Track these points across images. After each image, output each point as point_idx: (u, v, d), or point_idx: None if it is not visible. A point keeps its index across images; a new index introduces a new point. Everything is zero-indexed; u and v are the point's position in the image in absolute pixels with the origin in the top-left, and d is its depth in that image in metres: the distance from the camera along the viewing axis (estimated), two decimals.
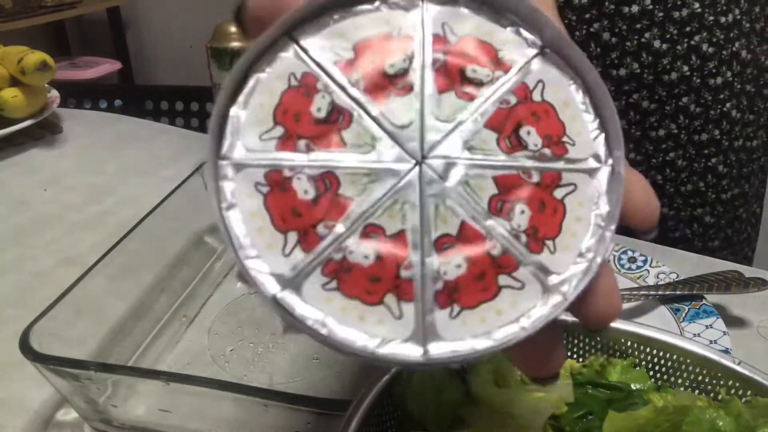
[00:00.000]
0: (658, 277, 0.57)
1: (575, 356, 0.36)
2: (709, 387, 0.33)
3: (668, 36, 0.60)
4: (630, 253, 0.60)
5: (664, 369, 0.35)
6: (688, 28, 0.60)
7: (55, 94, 0.90)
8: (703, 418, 0.29)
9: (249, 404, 0.35)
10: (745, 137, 0.66)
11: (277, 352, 0.49)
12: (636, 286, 0.56)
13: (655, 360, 0.35)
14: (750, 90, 0.65)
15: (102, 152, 0.83)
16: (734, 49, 0.61)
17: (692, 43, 0.60)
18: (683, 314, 0.52)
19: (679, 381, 0.34)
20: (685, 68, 0.61)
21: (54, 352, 0.37)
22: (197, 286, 0.56)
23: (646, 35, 0.60)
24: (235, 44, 0.65)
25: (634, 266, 0.59)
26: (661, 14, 0.60)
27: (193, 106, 1.41)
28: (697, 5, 0.59)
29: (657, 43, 0.61)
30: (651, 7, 0.60)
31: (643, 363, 0.35)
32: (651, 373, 0.35)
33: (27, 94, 0.82)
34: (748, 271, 0.58)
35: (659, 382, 0.35)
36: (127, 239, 0.48)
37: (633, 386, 0.33)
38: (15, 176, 0.76)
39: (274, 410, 0.35)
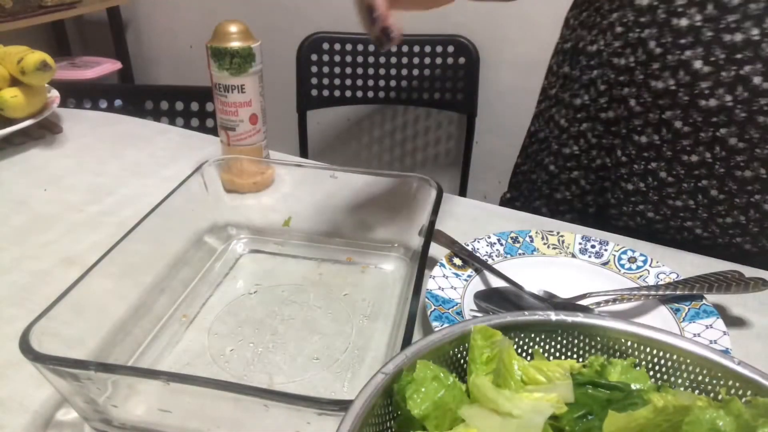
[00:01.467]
0: (658, 277, 0.57)
1: (575, 356, 0.36)
2: (709, 387, 0.33)
3: (712, 59, 0.57)
4: (630, 253, 0.60)
5: (664, 369, 0.34)
6: (739, 55, 0.57)
7: (55, 94, 0.90)
8: (703, 418, 0.29)
9: (249, 404, 0.35)
10: None
11: (277, 352, 0.49)
12: (636, 286, 0.56)
13: (655, 360, 0.35)
14: None
15: (102, 152, 0.83)
16: None
17: (741, 73, 0.57)
18: (683, 314, 0.52)
19: (679, 381, 0.34)
20: (728, 98, 0.58)
21: (54, 352, 0.37)
22: (197, 286, 0.56)
23: (688, 53, 0.58)
24: (235, 44, 0.65)
25: (634, 266, 0.59)
26: (710, 34, 0.57)
27: (193, 106, 1.41)
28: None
29: (698, 64, 0.58)
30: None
31: (643, 363, 0.35)
32: (651, 373, 0.35)
33: (27, 94, 0.82)
34: (748, 271, 0.58)
35: (659, 382, 0.35)
36: (127, 239, 0.48)
37: (633, 386, 0.33)
38: (15, 176, 0.76)
39: (274, 410, 0.35)
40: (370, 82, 1.61)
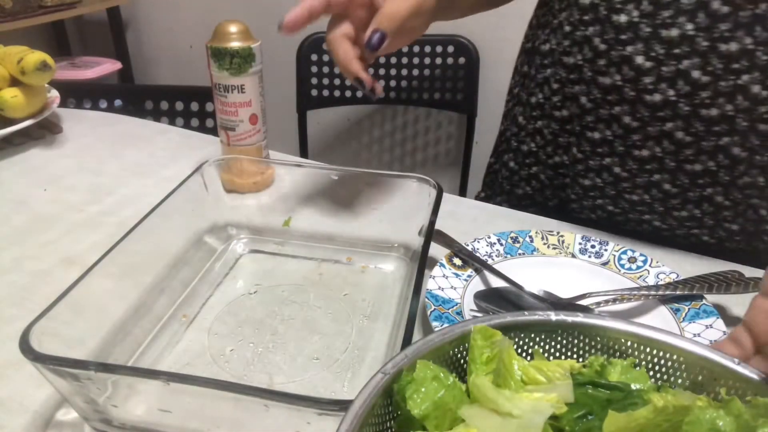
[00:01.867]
0: (658, 277, 0.57)
1: (575, 356, 0.36)
2: (709, 387, 0.33)
3: (710, 69, 0.56)
4: (630, 253, 0.60)
5: (664, 369, 0.34)
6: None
7: (55, 94, 0.90)
8: (703, 418, 0.29)
9: (249, 404, 0.35)
10: None
11: (277, 352, 0.49)
12: (636, 286, 0.56)
13: (655, 360, 0.35)
14: None
15: (102, 152, 0.83)
16: None
17: (739, 82, 0.56)
18: (683, 314, 0.52)
19: (679, 381, 0.34)
20: (729, 107, 0.57)
21: (54, 352, 0.37)
22: (197, 286, 0.56)
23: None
24: (235, 44, 0.65)
25: (634, 266, 0.59)
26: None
27: (193, 106, 1.41)
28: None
29: (697, 74, 0.57)
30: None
31: (643, 363, 0.35)
32: (651, 373, 0.35)
33: (27, 94, 0.82)
34: (748, 271, 0.58)
35: (659, 382, 0.35)
36: (127, 239, 0.48)
37: (633, 386, 0.33)
38: (15, 176, 0.76)
39: (274, 410, 0.35)
40: None
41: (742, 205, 0.63)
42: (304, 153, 1.70)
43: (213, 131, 1.11)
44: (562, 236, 0.62)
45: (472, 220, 0.70)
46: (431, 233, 0.52)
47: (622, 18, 0.59)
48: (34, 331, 0.38)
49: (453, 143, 1.91)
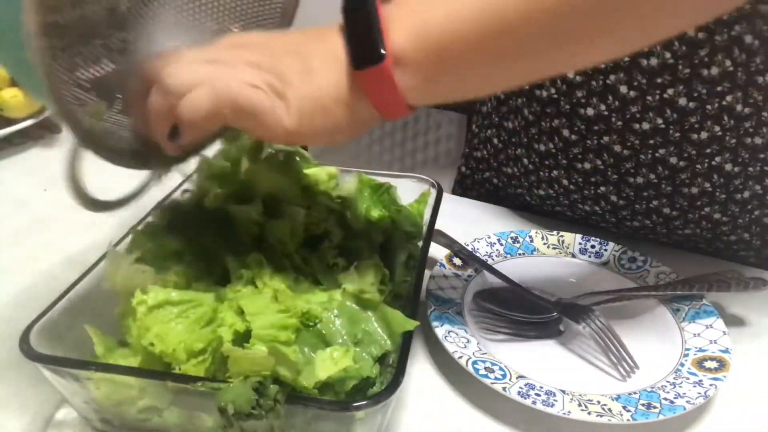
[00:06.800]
0: (658, 277, 0.57)
1: None
2: None
3: (695, 95, 0.56)
4: (630, 253, 0.60)
5: None
6: (719, 88, 0.55)
7: None
8: None
9: None
10: None
11: None
12: (636, 286, 0.56)
13: None
14: None
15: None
16: None
17: (724, 103, 0.55)
18: (683, 314, 0.52)
19: None
20: (717, 128, 0.56)
21: (54, 352, 0.37)
22: None
23: (669, 91, 0.56)
24: None
25: (634, 266, 0.59)
26: (687, 71, 0.55)
27: None
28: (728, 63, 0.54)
29: (683, 101, 0.56)
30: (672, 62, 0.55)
31: None
32: None
33: (27, 95, 0.82)
34: (748, 271, 0.58)
35: None
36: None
37: None
38: (15, 176, 0.76)
39: None
40: None
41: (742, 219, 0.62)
42: None
43: None
44: (562, 236, 0.62)
45: (472, 220, 0.70)
46: (431, 233, 0.52)
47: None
48: (35, 331, 0.38)
49: (453, 143, 1.91)
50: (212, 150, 0.53)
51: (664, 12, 0.34)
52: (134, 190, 0.45)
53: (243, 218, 0.45)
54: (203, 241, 0.45)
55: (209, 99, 0.36)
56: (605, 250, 0.60)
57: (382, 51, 0.35)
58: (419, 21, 0.36)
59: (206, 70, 0.37)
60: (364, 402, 0.34)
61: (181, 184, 0.56)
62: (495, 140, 0.73)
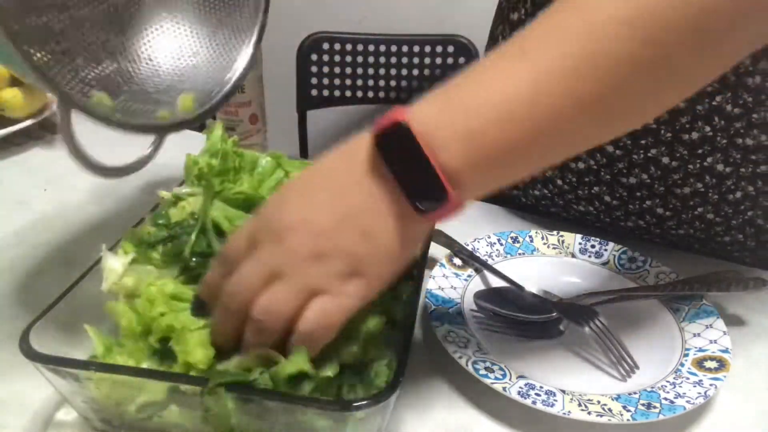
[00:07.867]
0: (658, 277, 0.57)
1: None
2: None
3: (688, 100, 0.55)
4: (630, 253, 0.60)
5: None
6: (709, 88, 0.55)
7: None
8: None
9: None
10: None
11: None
12: (636, 286, 0.56)
13: None
14: None
15: (102, 152, 0.83)
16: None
17: (714, 104, 0.55)
18: (683, 314, 0.52)
19: None
20: (707, 129, 0.56)
21: (54, 352, 0.37)
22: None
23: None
24: None
25: (634, 266, 0.59)
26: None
27: None
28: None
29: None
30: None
31: None
32: None
33: (27, 94, 0.82)
34: (747, 271, 0.58)
35: None
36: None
37: None
38: (15, 176, 0.75)
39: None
40: (370, 82, 1.60)
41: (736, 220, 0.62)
42: (304, 153, 1.70)
43: None
44: (562, 236, 0.62)
45: (472, 220, 0.69)
46: (431, 233, 0.52)
47: None
48: (35, 331, 0.38)
49: None
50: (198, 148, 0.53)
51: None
52: (138, 159, 0.47)
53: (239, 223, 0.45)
54: (202, 241, 0.45)
55: (325, 335, 0.36)
56: (605, 250, 0.60)
57: (444, 192, 0.34)
58: (466, 131, 0.34)
59: (297, 298, 0.35)
60: (364, 402, 0.34)
61: (181, 184, 0.56)
62: None
